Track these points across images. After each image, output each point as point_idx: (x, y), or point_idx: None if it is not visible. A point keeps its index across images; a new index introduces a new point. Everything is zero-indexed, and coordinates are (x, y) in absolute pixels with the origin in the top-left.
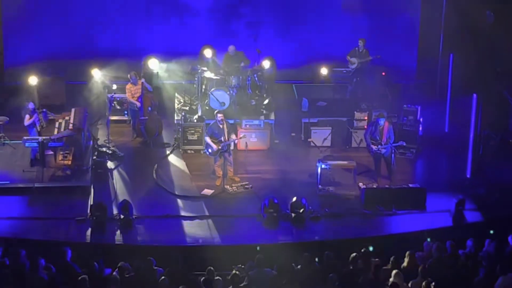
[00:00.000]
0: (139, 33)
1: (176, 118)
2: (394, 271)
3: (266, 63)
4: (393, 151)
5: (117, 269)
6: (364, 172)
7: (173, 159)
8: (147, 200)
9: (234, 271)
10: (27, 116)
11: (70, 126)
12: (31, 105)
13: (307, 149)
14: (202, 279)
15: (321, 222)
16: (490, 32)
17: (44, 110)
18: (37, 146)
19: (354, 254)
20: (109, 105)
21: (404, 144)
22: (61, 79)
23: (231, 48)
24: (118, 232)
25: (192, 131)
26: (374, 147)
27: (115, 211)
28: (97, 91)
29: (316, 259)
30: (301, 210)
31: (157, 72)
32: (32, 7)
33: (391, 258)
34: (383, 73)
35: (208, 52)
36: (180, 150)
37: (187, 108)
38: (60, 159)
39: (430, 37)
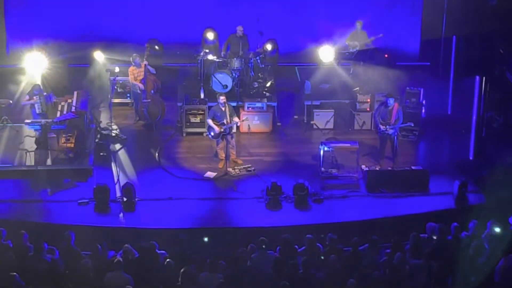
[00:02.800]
0: (142, 16)
1: (178, 100)
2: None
3: (269, 46)
4: (396, 133)
5: (120, 252)
6: (367, 155)
7: (175, 141)
8: (150, 182)
9: (237, 254)
10: (27, 97)
11: (73, 109)
12: (38, 92)
13: (310, 131)
14: (206, 262)
15: (324, 204)
16: (493, 13)
17: (50, 93)
18: (39, 129)
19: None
20: (112, 88)
21: (412, 125)
22: (64, 62)
23: (240, 28)
24: (121, 214)
25: (195, 114)
26: (382, 127)
27: (118, 194)
28: (100, 73)
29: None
30: (304, 193)
31: (160, 55)
32: None
33: (392, 240)
34: (386, 55)
35: (210, 35)
36: (183, 132)
37: (190, 90)
38: (62, 142)
39: (433, 19)
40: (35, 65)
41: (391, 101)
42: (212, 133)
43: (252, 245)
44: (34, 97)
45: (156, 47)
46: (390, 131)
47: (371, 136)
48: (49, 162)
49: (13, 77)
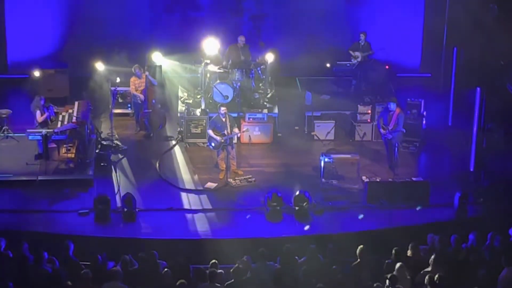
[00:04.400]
0: (143, 27)
1: (179, 111)
2: (398, 264)
3: (270, 56)
4: (396, 144)
5: (120, 262)
6: (367, 166)
7: (176, 152)
8: (150, 193)
9: (237, 265)
10: (39, 112)
11: (74, 119)
12: (42, 101)
13: (311, 142)
14: (206, 272)
15: (325, 215)
16: (494, 25)
17: (50, 105)
18: (40, 139)
19: (361, 246)
20: (113, 98)
21: (404, 131)
22: (64, 72)
23: (242, 39)
24: (121, 225)
25: (196, 124)
26: (382, 131)
27: (118, 204)
28: (101, 84)
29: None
30: (305, 204)
31: (161, 66)
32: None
33: (393, 251)
34: (387, 67)
35: (212, 45)
36: (184, 143)
37: (191, 101)
38: (63, 152)
39: (434, 30)
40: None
41: (392, 105)
42: (212, 144)
43: (248, 257)
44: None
45: (157, 58)
46: (389, 136)
47: (372, 147)
48: (49, 172)
49: (13, 88)
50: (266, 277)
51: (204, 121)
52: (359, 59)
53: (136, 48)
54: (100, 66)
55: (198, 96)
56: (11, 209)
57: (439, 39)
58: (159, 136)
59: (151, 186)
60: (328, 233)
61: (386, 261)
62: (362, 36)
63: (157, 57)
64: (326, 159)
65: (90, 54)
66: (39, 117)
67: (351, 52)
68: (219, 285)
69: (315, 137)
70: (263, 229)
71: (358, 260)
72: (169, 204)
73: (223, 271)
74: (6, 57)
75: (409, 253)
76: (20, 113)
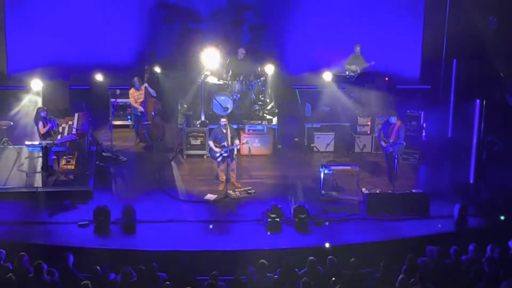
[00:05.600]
0: (143, 38)
1: (179, 123)
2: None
3: (269, 68)
4: (396, 156)
5: (120, 274)
6: (367, 177)
7: (176, 164)
8: (150, 205)
9: (237, 276)
10: (41, 124)
11: (74, 130)
12: (44, 113)
13: (310, 154)
14: (206, 284)
15: (324, 227)
16: (493, 37)
17: (53, 118)
18: (40, 151)
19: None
20: (112, 110)
21: (404, 143)
22: (65, 84)
23: (241, 51)
24: (121, 237)
25: (195, 136)
26: (383, 144)
27: (118, 216)
28: (100, 96)
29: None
30: (304, 215)
31: (160, 77)
32: (35, 12)
33: (381, 264)
34: (387, 79)
35: (211, 57)
36: (183, 155)
37: (190, 113)
38: (63, 163)
39: (434, 42)
40: (35, 87)
41: (393, 119)
42: (213, 155)
43: (252, 268)
44: (48, 124)
45: (156, 69)
46: (390, 149)
47: (372, 159)
48: (49, 184)
49: (13, 99)
50: None
51: (204, 132)
52: (358, 72)
53: (136, 60)
54: (99, 78)
55: (198, 108)
56: (11, 221)
57: (439, 51)
58: (158, 147)
59: (151, 198)
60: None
61: (376, 275)
62: (357, 48)
63: (156, 68)
64: (326, 171)
65: (90, 66)
66: (41, 129)
67: (347, 66)
68: None
69: (315, 149)
70: (263, 240)
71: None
72: (169, 216)
73: (223, 284)
74: (7, 69)
75: (406, 264)
76: (20, 124)
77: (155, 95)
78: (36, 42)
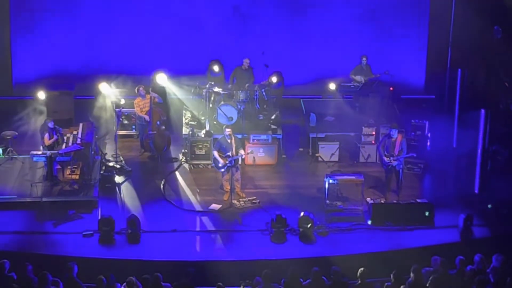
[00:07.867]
0: (148, 48)
1: (184, 132)
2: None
3: (274, 78)
4: (401, 166)
5: (125, 284)
6: (372, 187)
7: (180, 173)
8: (155, 214)
9: (241, 287)
10: (47, 135)
11: (78, 140)
12: (51, 124)
13: (315, 164)
14: None
15: (329, 237)
16: (498, 47)
17: (59, 128)
18: (45, 161)
19: (362, 269)
20: (117, 119)
21: (415, 155)
22: (69, 94)
23: (246, 61)
24: (126, 247)
25: (200, 146)
26: (386, 159)
27: (122, 226)
28: (105, 105)
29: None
30: (309, 225)
31: (165, 87)
32: (40, 22)
33: (392, 273)
34: (391, 88)
35: (216, 67)
36: (188, 164)
37: (195, 122)
38: (68, 173)
39: (438, 52)
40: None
41: (394, 132)
42: (218, 165)
43: (258, 279)
44: (54, 135)
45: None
46: (394, 163)
47: (376, 169)
48: (54, 193)
49: (18, 110)
50: None
51: (209, 142)
52: (363, 82)
53: (141, 70)
54: (104, 87)
55: (203, 118)
56: (16, 231)
57: (443, 60)
58: (163, 157)
59: (155, 208)
60: (332, 255)
61: (386, 284)
62: (364, 59)
63: (161, 78)
64: (330, 181)
65: (94, 76)
66: (47, 140)
67: (352, 76)
68: None
69: (320, 159)
70: (268, 250)
71: (359, 282)
72: (174, 225)
73: None
74: (12, 79)
75: (411, 275)
76: (25, 134)
77: (161, 101)
78: (40, 52)
